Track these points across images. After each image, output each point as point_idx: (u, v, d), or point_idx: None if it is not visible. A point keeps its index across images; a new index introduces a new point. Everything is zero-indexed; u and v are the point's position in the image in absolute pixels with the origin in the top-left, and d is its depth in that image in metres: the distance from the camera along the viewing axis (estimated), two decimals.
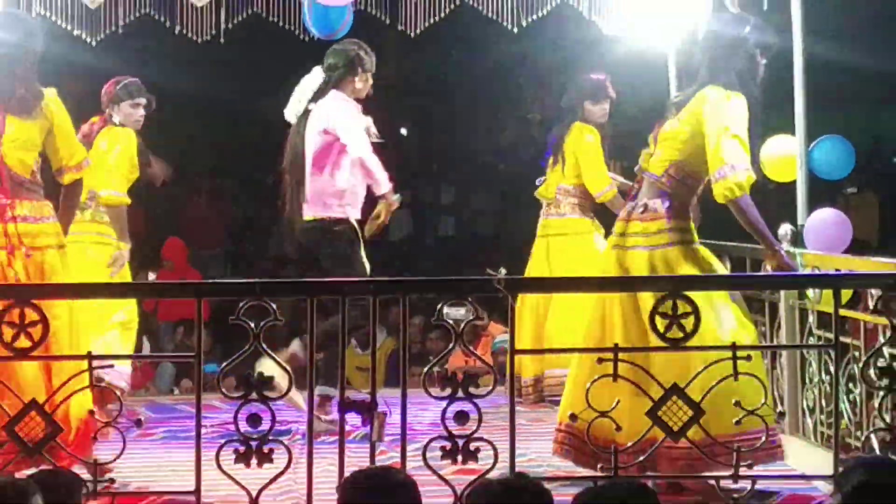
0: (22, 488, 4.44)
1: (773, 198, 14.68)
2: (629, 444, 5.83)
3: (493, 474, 5.46)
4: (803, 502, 6.02)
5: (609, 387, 5.78)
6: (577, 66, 10.70)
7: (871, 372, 6.11)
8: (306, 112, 8.19)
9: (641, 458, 5.86)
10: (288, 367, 5.83)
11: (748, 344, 6.29)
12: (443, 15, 8.56)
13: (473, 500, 4.06)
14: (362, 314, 6.98)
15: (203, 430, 5.63)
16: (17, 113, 6.44)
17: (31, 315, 5.59)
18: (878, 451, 6.12)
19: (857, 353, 6.78)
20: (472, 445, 5.53)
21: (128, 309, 8.20)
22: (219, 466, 5.51)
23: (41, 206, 6.53)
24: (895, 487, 4.06)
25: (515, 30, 8.71)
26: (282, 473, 5.60)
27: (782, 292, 7.70)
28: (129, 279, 8.26)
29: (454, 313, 5.82)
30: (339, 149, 8.11)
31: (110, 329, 8.00)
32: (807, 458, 6.98)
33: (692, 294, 5.78)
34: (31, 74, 6.50)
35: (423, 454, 5.53)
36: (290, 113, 8.28)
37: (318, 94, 8.18)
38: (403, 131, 18.67)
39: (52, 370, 6.24)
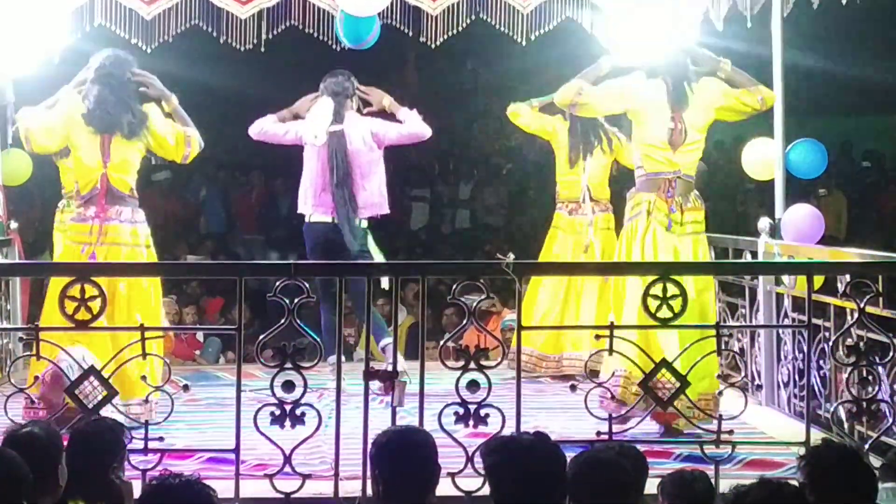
0: (49, 430, 4.43)
1: (754, 195, 14.67)
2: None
3: None
4: (776, 465, 5.99)
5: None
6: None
7: (840, 350, 6.11)
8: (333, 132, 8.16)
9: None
10: (318, 340, 5.83)
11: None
12: (460, 28, 8.52)
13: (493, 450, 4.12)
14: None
15: (242, 396, 5.63)
16: (127, 136, 6.84)
17: (91, 290, 5.59)
18: (844, 422, 6.10)
19: (827, 334, 6.75)
20: (483, 412, 5.53)
21: None
22: (256, 427, 5.51)
23: (134, 212, 6.87)
24: (853, 471, 4.15)
25: (524, 43, 8.66)
26: (312, 434, 5.60)
27: (761, 278, 7.68)
28: None
29: (471, 300, 5.80)
30: (377, 160, 8.17)
31: None
32: (781, 426, 6.97)
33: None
34: (135, 101, 6.94)
35: (439, 418, 5.52)
36: (321, 135, 8.16)
37: (338, 117, 8.18)
38: None
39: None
